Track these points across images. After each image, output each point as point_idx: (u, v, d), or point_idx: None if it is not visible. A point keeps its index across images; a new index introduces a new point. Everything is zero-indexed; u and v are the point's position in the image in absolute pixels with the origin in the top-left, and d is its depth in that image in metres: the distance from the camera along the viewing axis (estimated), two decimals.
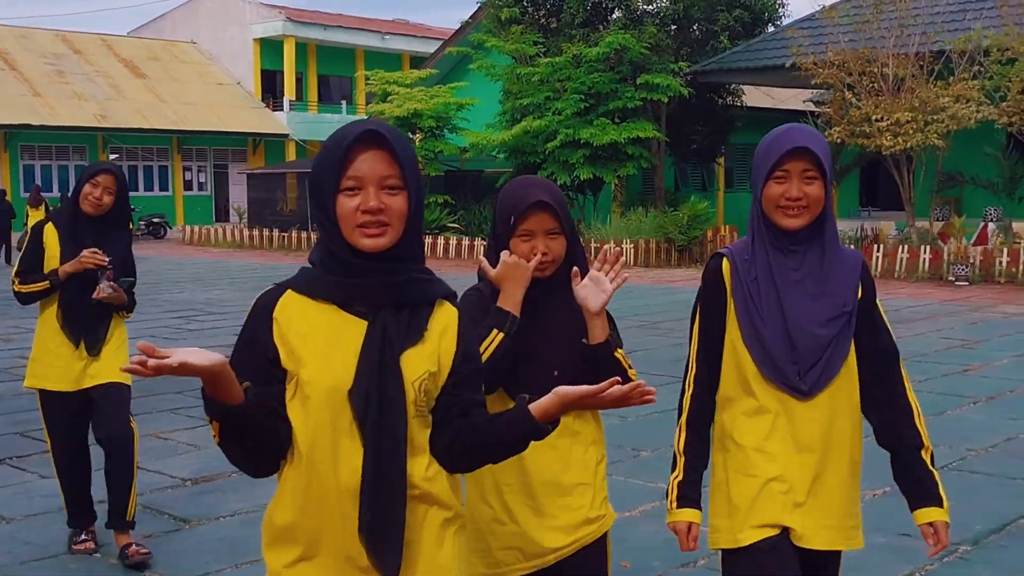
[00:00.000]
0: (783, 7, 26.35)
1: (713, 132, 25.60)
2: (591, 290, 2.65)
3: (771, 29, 25.51)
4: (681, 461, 2.69)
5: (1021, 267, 17.37)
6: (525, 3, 24.83)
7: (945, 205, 20.50)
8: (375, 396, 1.92)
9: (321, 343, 1.96)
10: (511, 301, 2.65)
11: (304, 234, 28.05)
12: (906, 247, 18.55)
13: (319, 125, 40.81)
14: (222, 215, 40.63)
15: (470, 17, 29.13)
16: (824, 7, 20.74)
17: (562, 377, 2.61)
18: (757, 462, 2.60)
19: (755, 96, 27.72)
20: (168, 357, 1.69)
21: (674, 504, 2.66)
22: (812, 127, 2.70)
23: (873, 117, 18.16)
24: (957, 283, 17.23)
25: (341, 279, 1.96)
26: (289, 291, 2.00)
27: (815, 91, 23.37)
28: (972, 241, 19.06)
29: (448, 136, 26.44)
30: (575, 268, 2.67)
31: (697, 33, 25.22)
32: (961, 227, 19.19)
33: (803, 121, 21.82)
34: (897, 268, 18.37)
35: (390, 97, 26.24)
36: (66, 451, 4.80)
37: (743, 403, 2.63)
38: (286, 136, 41.74)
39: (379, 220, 1.92)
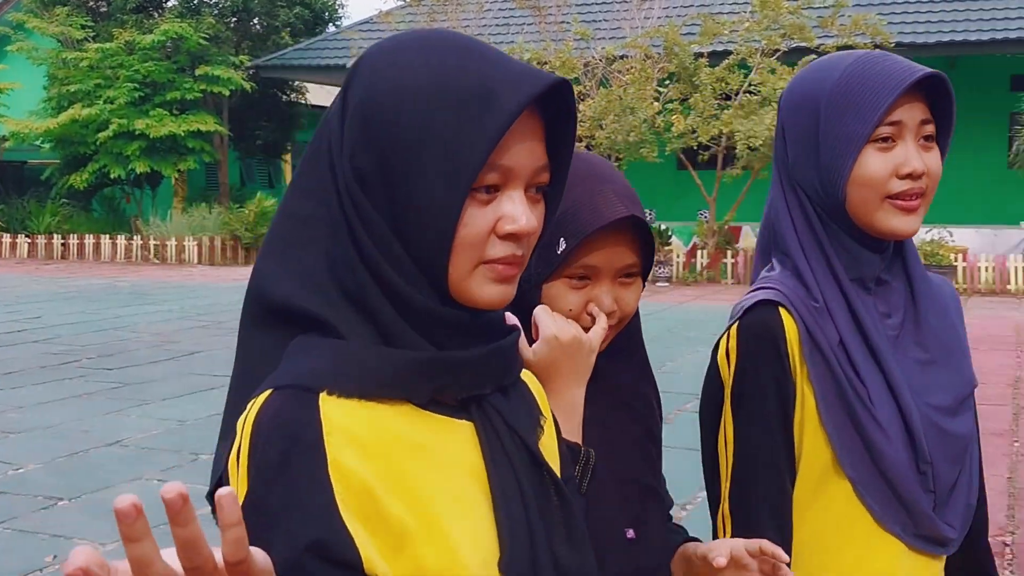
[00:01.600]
0: (343, 8, 26.97)
1: (278, 128, 25.61)
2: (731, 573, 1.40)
3: (332, 29, 25.93)
4: None
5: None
6: None
7: None
8: (548, 556, 1.01)
9: (428, 490, 0.97)
10: (570, 416, 1.34)
11: None
12: None
13: None
14: None
15: None
16: (382, 11, 21.43)
17: (643, 539, 1.41)
18: None
19: (320, 95, 28.00)
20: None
21: None
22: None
23: None
24: (658, 284, 17.66)
25: (431, 356, 0.98)
26: (323, 395, 0.95)
27: None
28: None
29: None
30: (770, 549, 1.29)
31: (258, 27, 25.04)
32: None
33: None
34: None
35: None
36: None
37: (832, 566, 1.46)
38: None
39: (519, 251, 1.01)
